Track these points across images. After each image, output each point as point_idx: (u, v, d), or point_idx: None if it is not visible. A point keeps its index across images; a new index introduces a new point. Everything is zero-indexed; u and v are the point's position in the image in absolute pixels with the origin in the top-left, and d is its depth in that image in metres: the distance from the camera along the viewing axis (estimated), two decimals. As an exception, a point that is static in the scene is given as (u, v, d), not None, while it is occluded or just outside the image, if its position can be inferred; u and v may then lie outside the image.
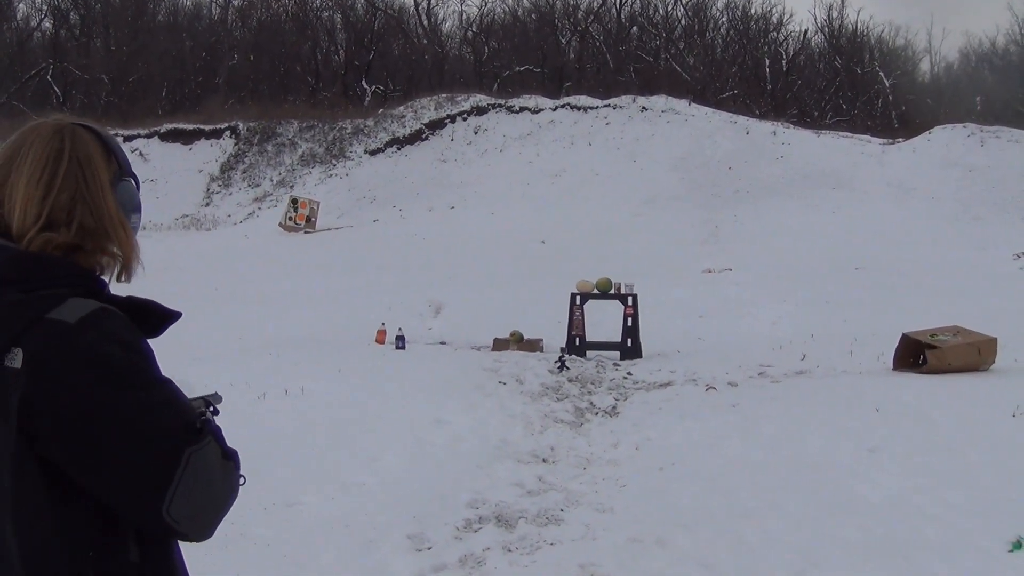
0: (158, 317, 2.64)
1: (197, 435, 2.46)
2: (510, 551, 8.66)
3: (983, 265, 31.39)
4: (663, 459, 11.67)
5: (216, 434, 2.57)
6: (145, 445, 2.37)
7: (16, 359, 2.34)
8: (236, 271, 32.27)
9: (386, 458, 11.20)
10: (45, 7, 74.73)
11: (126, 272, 2.66)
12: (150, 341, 2.61)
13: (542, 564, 8.36)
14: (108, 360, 2.37)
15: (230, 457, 2.60)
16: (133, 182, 2.71)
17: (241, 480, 2.66)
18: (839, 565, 8.07)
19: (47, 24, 74.90)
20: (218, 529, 2.58)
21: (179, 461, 2.39)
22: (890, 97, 67.07)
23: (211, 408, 2.84)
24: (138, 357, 2.46)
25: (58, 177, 2.48)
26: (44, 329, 2.35)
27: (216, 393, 2.93)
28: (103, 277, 2.61)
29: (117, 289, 2.66)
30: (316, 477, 10.36)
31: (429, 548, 8.61)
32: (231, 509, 2.63)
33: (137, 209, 2.71)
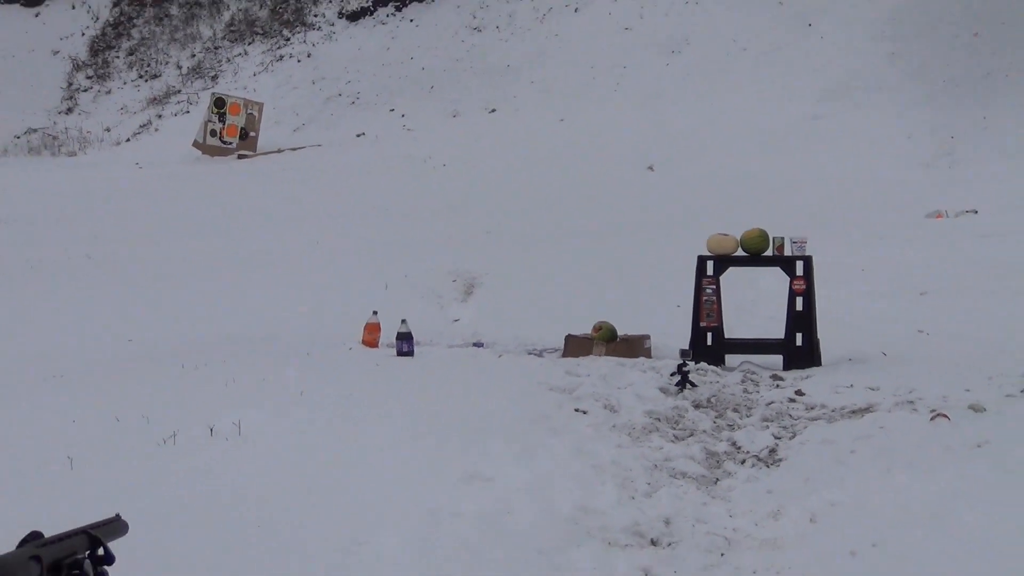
0: None
1: None
2: None
3: None
4: (858, 538, 11.72)
5: None
6: None
7: None
8: (123, 224, 32.37)
9: (378, 543, 11.07)
10: None
11: None
12: None
13: None
14: None
15: None
16: None
17: None
18: None
19: None
20: None
21: None
22: None
23: (94, 552, 2.79)
24: None
25: None
26: None
27: (115, 519, 2.91)
28: None
29: None
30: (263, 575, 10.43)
31: None
32: None
33: None
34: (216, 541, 10.87)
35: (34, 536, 2.69)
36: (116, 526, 2.82)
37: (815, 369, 18.14)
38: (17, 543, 2.67)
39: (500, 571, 10.78)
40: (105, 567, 2.76)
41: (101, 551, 2.77)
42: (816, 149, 39.31)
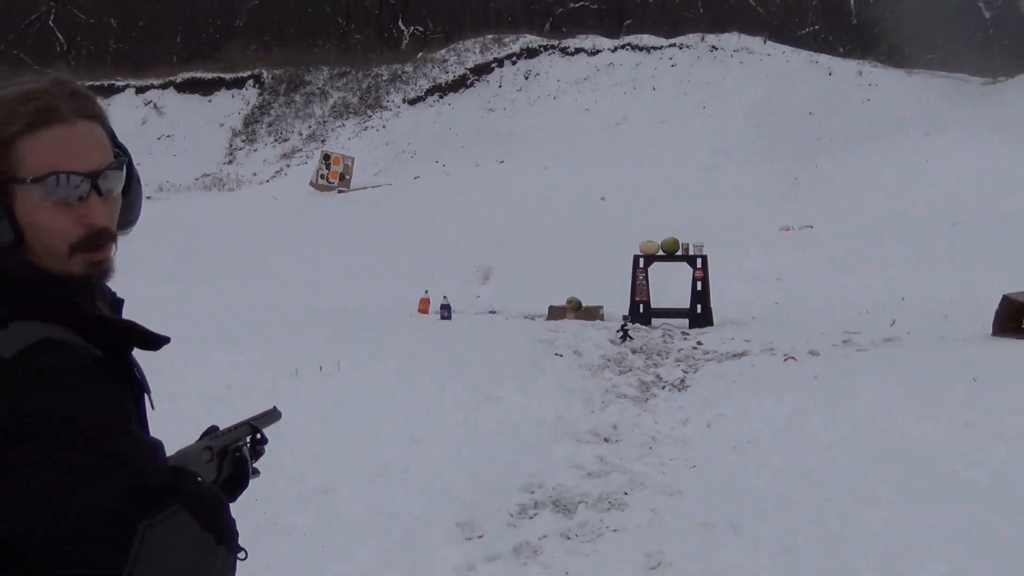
0: (139, 342, 2.41)
1: (159, 504, 2.18)
2: (569, 539, 8.71)
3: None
4: (737, 438, 11.75)
5: (194, 502, 2.26)
6: (86, 514, 2.11)
7: None
8: (263, 236, 32.37)
9: (431, 440, 11.25)
10: (45, -57, 74.94)
11: (71, 267, 2.35)
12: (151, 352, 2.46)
13: (604, 553, 8.39)
14: (45, 407, 2.12)
15: (213, 528, 2.29)
16: None
17: (240, 556, 2.39)
18: (938, 557, 7.88)
19: (49, -35, 75.08)
20: (250, 517, 2.54)
21: (131, 537, 2.12)
22: (991, 30, 66.77)
23: (257, 435, 2.74)
24: (86, 403, 2.18)
25: None
26: None
27: (272, 410, 2.88)
28: (75, 274, 2.36)
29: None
30: (354, 461, 10.42)
31: (480, 537, 8.65)
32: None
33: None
34: (325, 433, 10.92)
35: (212, 429, 2.64)
36: (272, 415, 2.79)
37: (709, 328, 18.23)
38: (199, 437, 2.61)
39: (508, 458, 10.78)
40: (262, 446, 2.72)
41: (259, 436, 2.72)
42: (709, 188, 39.38)
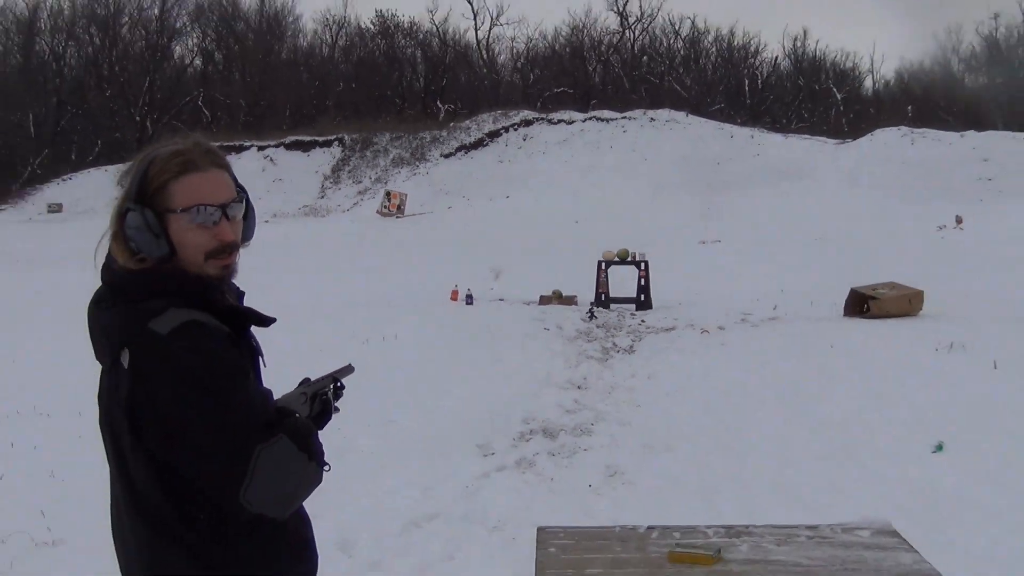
0: (255, 321, 2.50)
1: (270, 433, 2.30)
2: (554, 455, 8.72)
3: (912, 235, 31.18)
4: (669, 385, 11.70)
5: (295, 431, 2.38)
6: (220, 440, 2.25)
7: (126, 359, 2.30)
8: (345, 248, 32.31)
9: (458, 387, 11.27)
10: (196, 48, 74.98)
11: (215, 271, 2.47)
12: (264, 329, 2.54)
13: (578, 465, 8.43)
14: (190, 368, 2.25)
15: (308, 449, 2.40)
16: (154, 212, 2.38)
17: (325, 468, 2.45)
18: (808, 467, 8.14)
19: (198, 62, 75.02)
20: (331, 440, 2.57)
21: (250, 457, 2.24)
22: (841, 107, 66.59)
23: (337, 383, 2.75)
24: (218, 364, 2.30)
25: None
26: (144, 337, 2.27)
27: (348, 366, 2.86)
28: (211, 276, 2.45)
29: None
30: (405, 402, 10.47)
31: (493, 454, 8.68)
32: (335, 435, 2.51)
33: (142, 235, 2.37)
34: (386, 382, 10.87)
35: (305, 380, 2.70)
36: (348, 369, 2.82)
37: (650, 311, 18.06)
38: (297, 385, 2.68)
39: (511, 400, 10.74)
40: (341, 391, 2.77)
41: (339, 384, 2.77)
42: (649, 214, 39.26)
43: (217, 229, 2.44)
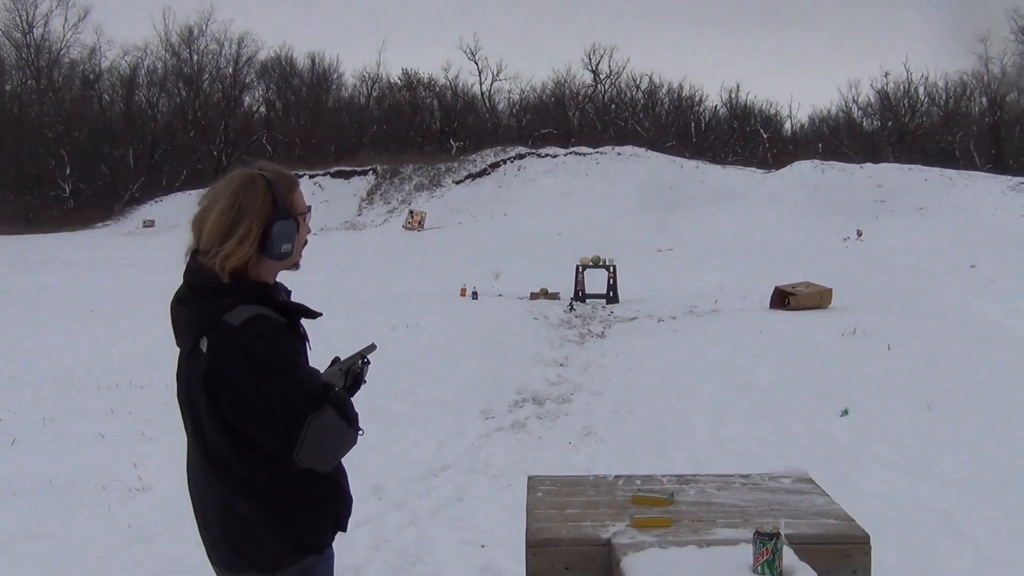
0: (305, 314, 2.51)
1: (317, 404, 2.34)
2: (541, 419, 8.71)
3: (823, 244, 31.30)
4: (632, 363, 11.67)
5: (337, 403, 2.42)
6: (279, 411, 2.31)
7: (204, 345, 2.33)
8: (377, 254, 32.27)
9: (467, 362, 11.17)
10: (261, 99, 75.36)
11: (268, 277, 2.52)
12: (313, 321, 2.55)
13: (561, 426, 8.42)
14: (257, 353, 2.30)
15: (347, 418, 2.44)
16: (292, 220, 2.49)
17: (360, 432, 2.51)
18: (738, 424, 8.17)
19: (262, 109, 75.25)
20: (367, 406, 2.56)
21: (303, 424, 2.31)
22: (767, 144, 66.60)
23: (364, 360, 2.73)
24: (280, 349, 2.35)
25: (232, 215, 2.39)
26: (220, 328, 2.31)
27: (371, 344, 2.81)
28: (271, 283, 2.51)
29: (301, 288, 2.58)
30: (426, 375, 10.36)
31: (493, 418, 8.66)
32: (365, 409, 2.48)
33: (286, 240, 2.46)
34: (410, 359, 10.85)
35: (335, 359, 2.71)
36: (371, 348, 2.78)
37: (617, 304, 18.00)
38: (328, 364, 2.68)
39: (508, 374, 10.71)
40: (367, 365, 2.75)
41: (366, 360, 2.75)
42: (616, 227, 39.25)
43: (309, 227, 2.65)
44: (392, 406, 8.71)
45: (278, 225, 2.44)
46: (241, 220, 2.40)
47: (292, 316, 2.49)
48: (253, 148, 65.31)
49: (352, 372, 2.69)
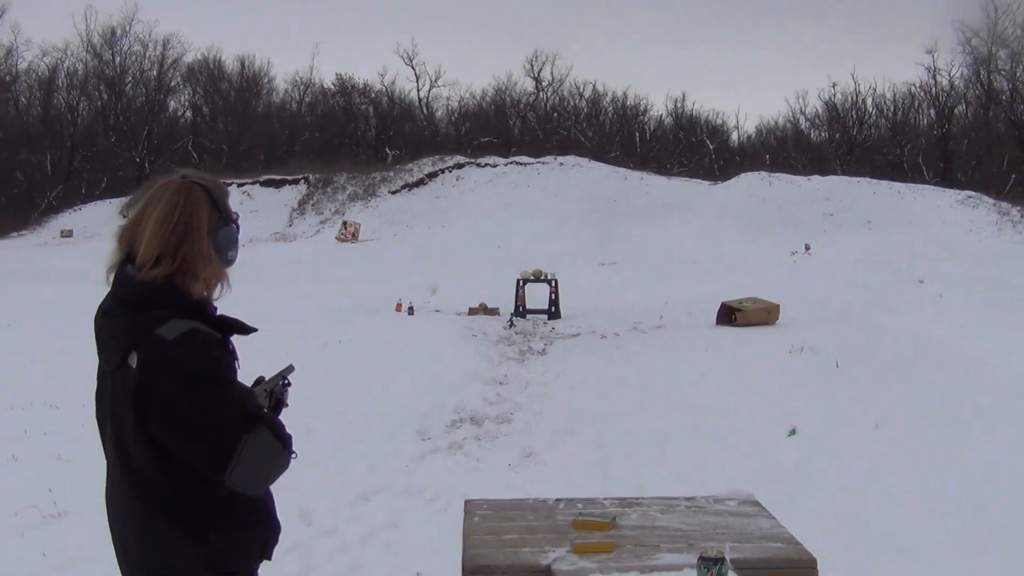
0: (240, 330, 2.51)
1: (253, 424, 2.35)
2: (479, 440, 8.68)
3: (770, 258, 31.64)
4: (574, 380, 11.69)
5: (271, 424, 2.44)
6: (213, 431, 2.30)
7: (134, 360, 2.30)
8: (308, 267, 32.07)
9: (402, 381, 11.12)
10: (187, 103, 74.50)
11: (207, 291, 2.49)
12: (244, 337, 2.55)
13: (499, 447, 8.39)
14: (192, 369, 2.29)
15: (281, 439, 2.44)
16: (234, 226, 2.55)
17: (293, 456, 2.51)
18: (682, 443, 8.21)
19: (188, 114, 74.47)
20: (296, 427, 2.55)
21: (238, 444, 2.30)
22: (713, 155, 67.38)
23: (284, 380, 2.72)
24: (216, 365, 2.35)
25: (171, 225, 2.38)
26: (151, 342, 2.29)
27: (290, 366, 2.81)
28: (204, 295, 2.49)
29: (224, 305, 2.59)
30: (358, 393, 10.32)
31: (429, 439, 8.60)
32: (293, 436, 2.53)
33: (233, 245, 2.54)
34: (339, 379, 10.76)
35: (259, 379, 2.68)
36: (290, 368, 2.78)
37: (559, 319, 18.06)
38: (252, 383, 2.63)
39: (445, 392, 10.67)
40: (288, 387, 2.73)
41: (286, 381, 2.74)
42: (558, 240, 39.38)
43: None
44: (322, 426, 8.61)
45: (223, 232, 2.48)
46: (189, 229, 2.42)
47: (226, 331, 2.48)
48: (178, 155, 64.60)
49: (275, 394, 2.67)
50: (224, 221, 2.50)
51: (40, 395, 10.21)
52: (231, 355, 2.46)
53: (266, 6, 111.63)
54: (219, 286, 2.54)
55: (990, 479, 7.02)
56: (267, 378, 2.70)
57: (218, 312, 2.56)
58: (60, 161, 65.56)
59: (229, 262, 2.53)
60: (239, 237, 2.58)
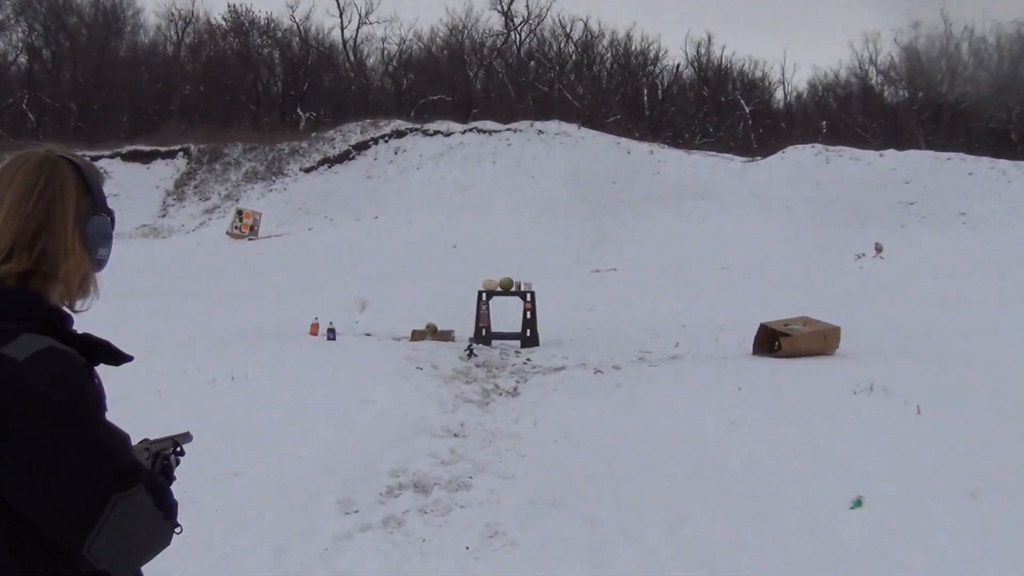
0: (110, 357, 2.47)
1: (128, 481, 2.29)
2: (426, 513, 8.69)
3: (828, 264, 31.81)
4: (557, 432, 11.74)
5: (151, 483, 2.39)
6: (73, 483, 2.23)
7: None
8: (188, 273, 31.99)
9: (319, 432, 11.18)
10: (20, 44, 73.89)
11: (68, 298, 2.48)
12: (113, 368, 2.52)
13: (454, 524, 8.39)
14: (50, 399, 2.21)
15: (163, 506, 2.41)
16: (108, 217, 2.52)
17: (177, 530, 2.48)
18: (705, 520, 8.21)
19: (22, 59, 73.94)
20: (175, 494, 2.53)
21: (104, 505, 2.24)
22: (750, 121, 67.71)
23: (177, 448, 2.72)
24: (78, 397, 2.28)
25: (29, 208, 2.35)
26: None
27: (187, 432, 2.83)
28: (64, 304, 2.47)
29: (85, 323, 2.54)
30: (259, 450, 10.32)
31: (356, 511, 8.61)
32: (177, 505, 2.50)
33: (105, 242, 2.51)
34: (235, 429, 10.77)
35: (144, 440, 2.66)
36: (187, 436, 2.78)
37: (536, 347, 18.17)
38: (135, 443, 2.57)
39: (379, 448, 10.70)
40: (180, 457, 2.73)
41: (179, 449, 2.74)
42: (536, 238, 39.55)
43: None
44: (210, 495, 8.62)
45: (94, 222, 2.47)
46: (51, 215, 2.40)
47: (91, 357, 2.43)
48: (8, 117, 64.26)
49: (161, 458, 2.68)
50: (96, 209, 2.49)
51: None
52: (99, 387, 2.40)
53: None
54: (84, 293, 2.53)
55: None
56: (152, 440, 2.71)
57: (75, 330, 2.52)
58: None
59: (99, 263, 2.53)
60: (113, 233, 2.57)
